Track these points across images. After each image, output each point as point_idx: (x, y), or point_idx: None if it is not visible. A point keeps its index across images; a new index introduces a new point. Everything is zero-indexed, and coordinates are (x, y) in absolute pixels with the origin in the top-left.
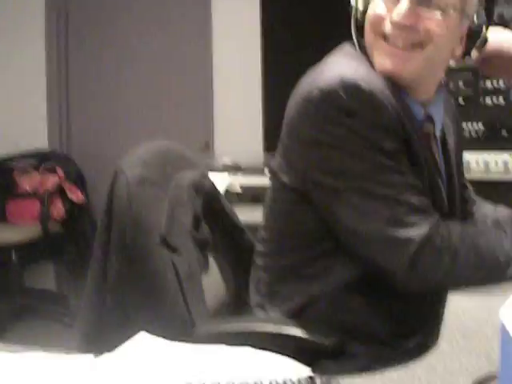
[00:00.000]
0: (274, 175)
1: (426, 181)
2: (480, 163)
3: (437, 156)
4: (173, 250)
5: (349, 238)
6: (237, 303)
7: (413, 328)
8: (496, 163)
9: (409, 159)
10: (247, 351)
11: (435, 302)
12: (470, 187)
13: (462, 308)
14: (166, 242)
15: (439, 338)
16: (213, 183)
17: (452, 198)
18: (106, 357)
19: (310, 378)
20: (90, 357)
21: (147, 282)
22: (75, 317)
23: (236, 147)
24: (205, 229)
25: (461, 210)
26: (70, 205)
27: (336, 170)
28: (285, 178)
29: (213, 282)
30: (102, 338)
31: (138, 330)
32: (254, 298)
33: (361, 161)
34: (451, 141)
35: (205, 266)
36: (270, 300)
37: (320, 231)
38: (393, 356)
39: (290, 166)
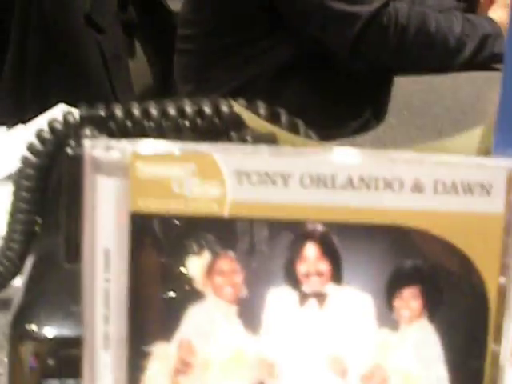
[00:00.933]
0: None
1: None
2: None
3: None
4: (98, 29)
5: (292, 13)
6: (163, 91)
7: (357, 108)
8: None
9: None
10: None
11: (381, 81)
12: None
13: (409, 90)
14: (90, 21)
15: (386, 115)
16: None
17: None
18: (20, 128)
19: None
20: (1, 129)
21: (70, 63)
22: None
23: None
24: (132, 11)
25: None
26: None
27: None
28: None
29: (139, 68)
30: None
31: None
32: (181, 86)
33: None
34: None
35: (131, 50)
36: (200, 87)
37: (259, 10)
38: (338, 135)
39: None
